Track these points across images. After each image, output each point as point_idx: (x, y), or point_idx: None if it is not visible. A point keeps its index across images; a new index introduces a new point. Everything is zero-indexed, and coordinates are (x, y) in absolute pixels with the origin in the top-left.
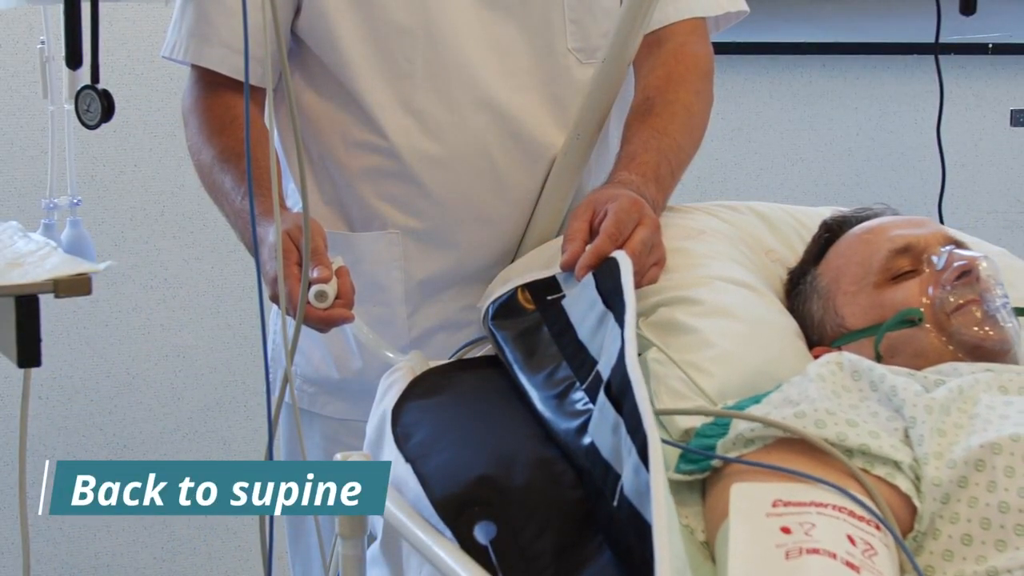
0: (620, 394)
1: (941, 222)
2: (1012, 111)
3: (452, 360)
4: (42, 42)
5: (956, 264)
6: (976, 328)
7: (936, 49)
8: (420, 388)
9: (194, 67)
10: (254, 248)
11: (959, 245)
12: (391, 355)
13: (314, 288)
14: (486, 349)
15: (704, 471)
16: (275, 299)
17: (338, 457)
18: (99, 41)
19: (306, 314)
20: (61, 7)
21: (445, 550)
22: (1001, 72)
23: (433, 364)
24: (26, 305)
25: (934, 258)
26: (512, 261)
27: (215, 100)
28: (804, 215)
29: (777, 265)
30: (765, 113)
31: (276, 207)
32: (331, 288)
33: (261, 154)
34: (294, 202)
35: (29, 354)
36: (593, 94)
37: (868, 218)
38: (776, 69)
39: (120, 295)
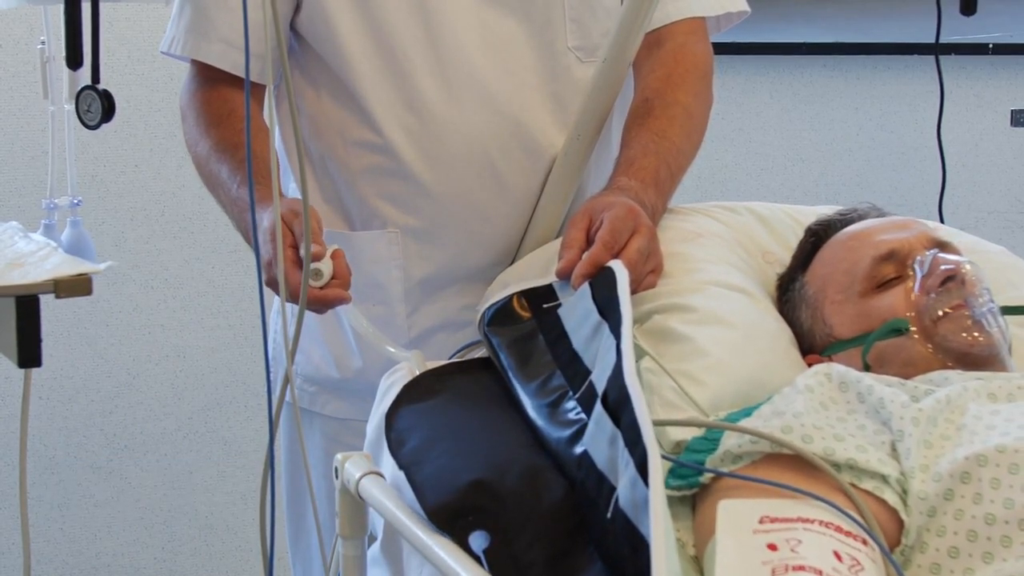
0: (618, 407)
1: (941, 222)
2: (1012, 111)
3: (449, 362)
4: (42, 42)
5: (941, 269)
6: (964, 335)
7: (936, 49)
8: (415, 392)
9: (192, 62)
10: (253, 234)
11: (944, 247)
12: (391, 350)
13: (310, 270)
14: (484, 350)
15: (693, 487)
16: (271, 284)
17: (339, 458)
18: (100, 41)
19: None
20: (61, 7)
21: (445, 550)
22: (1001, 72)
23: (432, 364)
24: (26, 305)
25: (918, 264)
26: (512, 261)
27: (213, 93)
28: (803, 215)
29: (775, 267)
30: (766, 113)
31: (276, 193)
32: (326, 266)
33: (260, 145)
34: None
35: (30, 354)
36: (593, 94)
37: (853, 220)
38: (776, 69)
39: (120, 295)
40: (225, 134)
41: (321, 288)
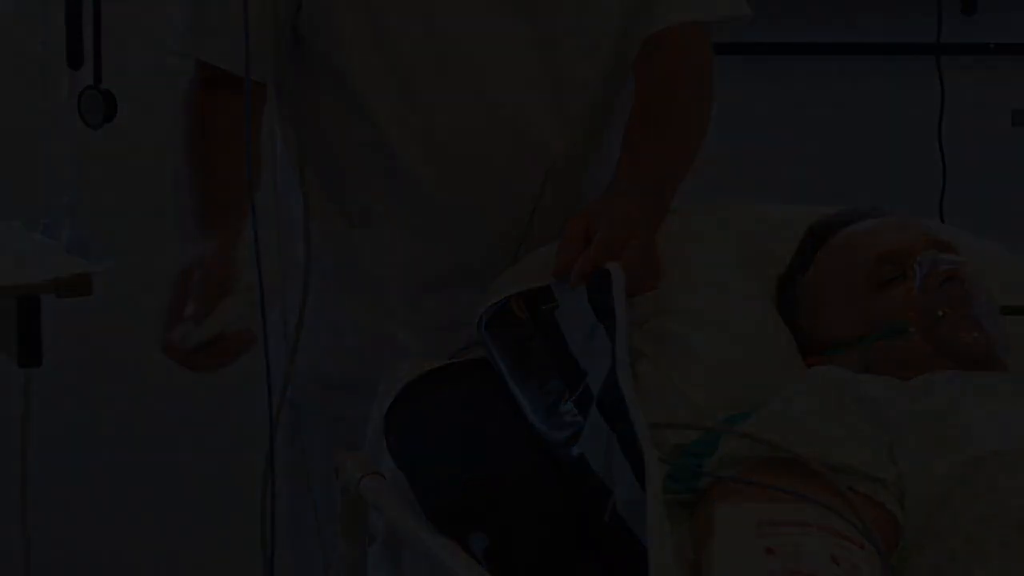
0: (613, 410)
1: (942, 222)
2: (1014, 111)
3: (448, 362)
4: (42, 42)
5: (941, 269)
6: (964, 335)
7: (937, 49)
8: (414, 392)
9: (194, 61)
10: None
11: (943, 247)
12: (399, 342)
13: (181, 328)
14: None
15: (691, 491)
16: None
17: (339, 457)
18: (101, 41)
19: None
20: (62, 7)
21: (445, 550)
22: (1002, 72)
23: (431, 365)
24: (27, 305)
25: (918, 264)
26: (512, 262)
27: (209, 96)
28: (803, 215)
29: (775, 268)
30: (766, 113)
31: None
32: (196, 333)
33: (232, 174)
34: (296, 199)
35: (30, 353)
36: (594, 94)
37: (853, 220)
38: (776, 69)
39: (120, 295)
40: (203, 154)
41: (192, 350)
